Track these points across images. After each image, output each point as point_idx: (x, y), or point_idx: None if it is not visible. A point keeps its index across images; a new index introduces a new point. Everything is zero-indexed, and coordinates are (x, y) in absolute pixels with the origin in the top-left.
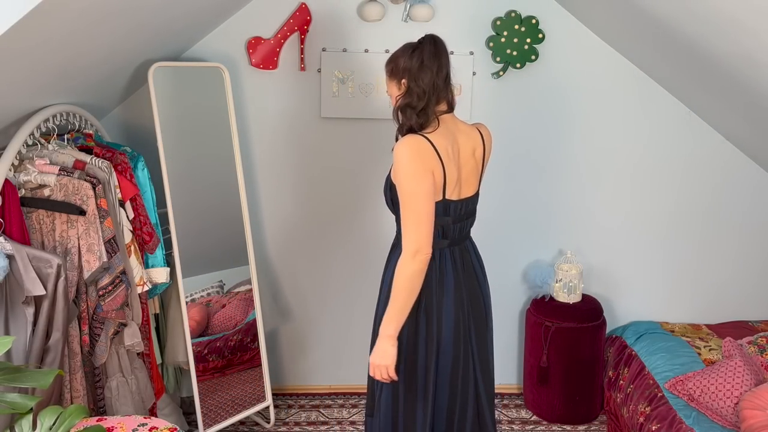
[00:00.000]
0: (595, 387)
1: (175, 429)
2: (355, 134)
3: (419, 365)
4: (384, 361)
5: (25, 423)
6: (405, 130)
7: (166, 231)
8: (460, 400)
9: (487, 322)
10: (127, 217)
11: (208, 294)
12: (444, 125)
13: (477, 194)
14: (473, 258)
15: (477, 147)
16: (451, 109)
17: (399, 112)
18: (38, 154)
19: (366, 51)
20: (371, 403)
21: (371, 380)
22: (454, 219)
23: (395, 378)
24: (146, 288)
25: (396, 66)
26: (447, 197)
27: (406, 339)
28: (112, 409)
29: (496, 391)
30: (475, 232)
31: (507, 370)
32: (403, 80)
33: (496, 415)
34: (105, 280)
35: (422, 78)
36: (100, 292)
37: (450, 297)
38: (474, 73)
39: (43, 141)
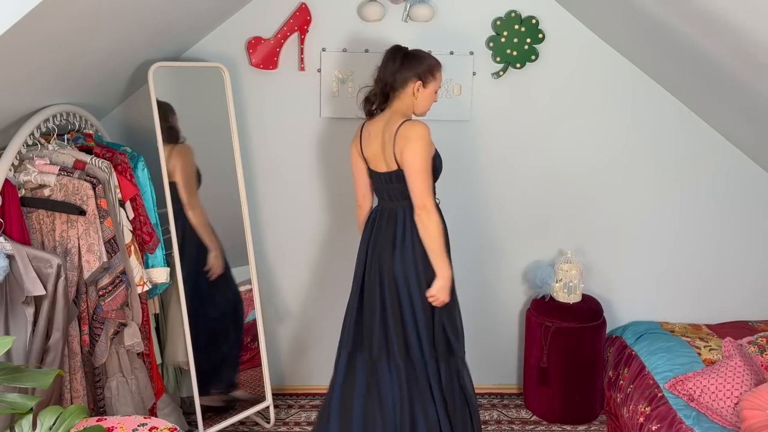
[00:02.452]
0: (595, 387)
1: (175, 429)
2: None
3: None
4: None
5: (25, 423)
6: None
7: (166, 231)
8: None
9: (397, 289)
10: (127, 217)
11: None
12: (379, 116)
13: (392, 173)
14: (397, 226)
15: (386, 132)
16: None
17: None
18: (38, 154)
19: (366, 51)
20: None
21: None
22: (378, 186)
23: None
24: (146, 288)
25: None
26: (371, 168)
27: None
28: (112, 409)
29: (496, 391)
30: (475, 232)
31: (507, 370)
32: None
33: (496, 416)
34: (105, 280)
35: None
36: (100, 292)
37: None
38: (474, 73)
39: (43, 141)
